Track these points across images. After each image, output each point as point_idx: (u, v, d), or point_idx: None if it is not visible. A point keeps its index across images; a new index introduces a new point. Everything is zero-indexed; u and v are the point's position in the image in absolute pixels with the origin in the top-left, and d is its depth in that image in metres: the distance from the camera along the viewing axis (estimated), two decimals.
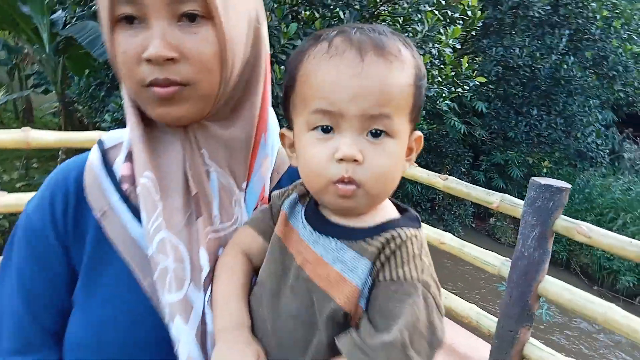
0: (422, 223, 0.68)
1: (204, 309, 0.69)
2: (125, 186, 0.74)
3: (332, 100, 0.60)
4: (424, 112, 5.96)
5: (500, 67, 7.88)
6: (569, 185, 2.74)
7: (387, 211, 0.68)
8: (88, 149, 0.80)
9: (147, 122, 0.74)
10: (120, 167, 0.75)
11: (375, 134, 0.61)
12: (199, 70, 0.67)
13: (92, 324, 0.70)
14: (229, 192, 0.76)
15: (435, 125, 7.23)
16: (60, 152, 6.36)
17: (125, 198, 0.74)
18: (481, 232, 8.53)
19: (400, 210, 0.70)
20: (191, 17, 0.66)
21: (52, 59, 6.30)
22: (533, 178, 2.83)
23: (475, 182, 7.67)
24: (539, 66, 7.89)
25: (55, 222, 0.74)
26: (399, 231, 0.62)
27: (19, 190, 5.91)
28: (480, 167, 8.75)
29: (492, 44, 7.89)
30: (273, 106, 0.86)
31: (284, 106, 0.70)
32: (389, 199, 0.69)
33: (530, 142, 8.44)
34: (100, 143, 0.80)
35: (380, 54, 0.61)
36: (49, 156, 7.40)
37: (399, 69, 0.62)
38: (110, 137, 0.80)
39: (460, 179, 4.37)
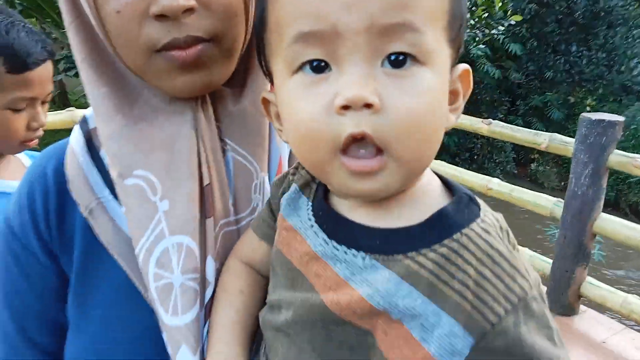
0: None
1: None
2: None
3: (319, 13, 0.39)
4: None
5: (534, 4, 7.50)
6: (622, 119, 2.62)
7: (432, 189, 0.47)
8: None
9: (133, 98, 0.59)
10: None
11: (397, 60, 0.39)
12: (224, 17, 0.53)
13: (89, 350, 0.58)
14: (247, 176, 0.62)
15: None
16: None
17: None
18: (523, 179, 8.32)
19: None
20: None
21: None
22: (583, 114, 2.73)
23: None
24: (575, 0, 7.48)
25: (37, 227, 0.60)
26: (468, 231, 0.42)
27: None
28: (518, 111, 8.48)
29: None
30: None
31: (258, 55, 0.50)
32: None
33: (571, 80, 8.09)
34: (83, 122, 0.63)
35: None
36: None
37: None
38: None
39: None
